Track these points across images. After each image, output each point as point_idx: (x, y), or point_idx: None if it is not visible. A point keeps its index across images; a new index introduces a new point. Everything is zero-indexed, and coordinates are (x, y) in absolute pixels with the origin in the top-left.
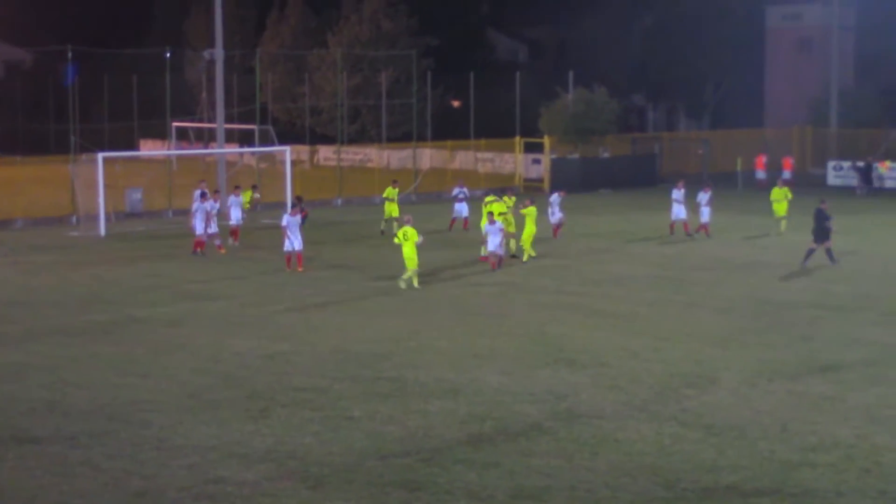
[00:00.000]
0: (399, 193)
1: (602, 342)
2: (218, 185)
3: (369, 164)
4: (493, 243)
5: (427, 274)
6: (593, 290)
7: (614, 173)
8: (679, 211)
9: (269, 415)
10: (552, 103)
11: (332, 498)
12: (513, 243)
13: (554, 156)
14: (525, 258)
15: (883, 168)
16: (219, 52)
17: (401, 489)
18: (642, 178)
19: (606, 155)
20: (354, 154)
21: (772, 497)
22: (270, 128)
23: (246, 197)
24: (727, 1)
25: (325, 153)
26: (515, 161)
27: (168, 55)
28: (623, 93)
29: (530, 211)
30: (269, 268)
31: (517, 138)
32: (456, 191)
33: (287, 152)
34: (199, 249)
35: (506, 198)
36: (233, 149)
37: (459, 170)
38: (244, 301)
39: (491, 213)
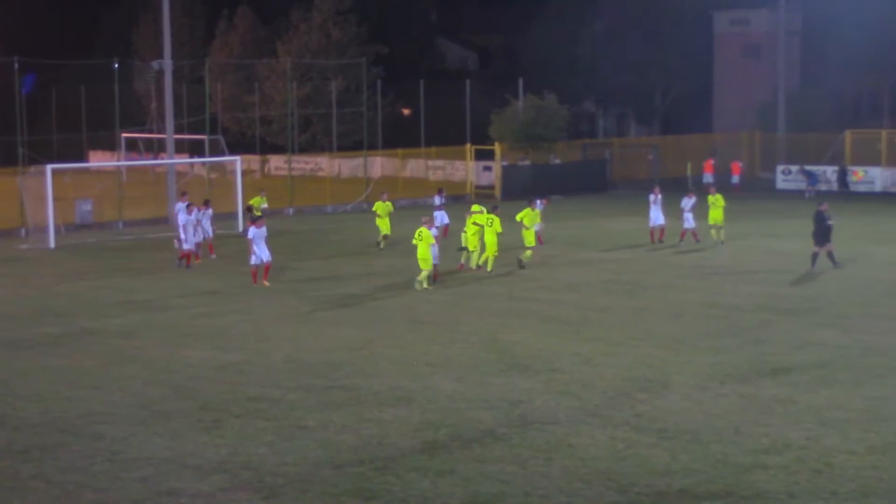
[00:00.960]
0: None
1: (554, 348)
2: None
3: (320, 173)
4: (433, 255)
5: (382, 284)
6: (545, 297)
7: (565, 179)
8: (688, 219)
9: (223, 425)
10: (502, 110)
11: None
12: (528, 253)
13: (505, 163)
14: (490, 268)
15: (856, 177)
16: (167, 63)
17: (355, 498)
18: (593, 184)
19: (557, 161)
20: (305, 163)
21: (725, 500)
22: (221, 138)
23: (256, 203)
24: (675, 7)
25: (276, 162)
26: (466, 168)
27: (116, 66)
28: (573, 99)
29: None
30: (222, 278)
31: (468, 146)
32: (437, 199)
33: (237, 162)
34: (185, 260)
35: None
36: (183, 159)
37: (410, 178)
38: (196, 312)
39: (429, 219)
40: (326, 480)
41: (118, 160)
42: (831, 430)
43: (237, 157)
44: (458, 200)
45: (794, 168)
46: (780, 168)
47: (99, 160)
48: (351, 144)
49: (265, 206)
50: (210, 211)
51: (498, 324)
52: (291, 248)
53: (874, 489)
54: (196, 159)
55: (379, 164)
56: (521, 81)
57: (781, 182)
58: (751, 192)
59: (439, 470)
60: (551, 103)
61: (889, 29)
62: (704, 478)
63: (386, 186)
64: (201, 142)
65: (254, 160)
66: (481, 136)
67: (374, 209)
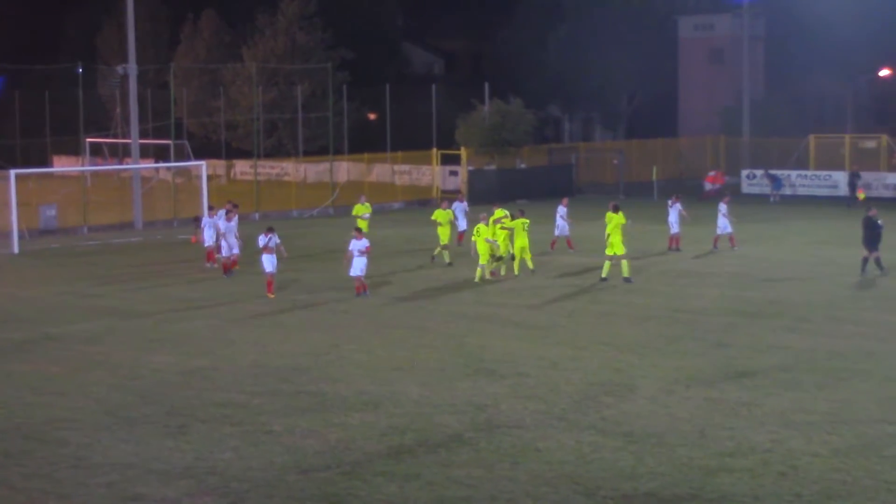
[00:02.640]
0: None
1: (521, 352)
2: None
3: (286, 178)
4: (359, 266)
5: (349, 288)
6: (511, 301)
7: (531, 184)
8: (725, 225)
9: (189, 431)
10: (468, 115)
11: None
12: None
13: (471, 167)
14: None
15: (861, 195)
16: (132, 67)
17: (321, 503)
18: (559, 188)
19: (523, 166)
20: (271, 168)
21: (690, 503)
22: (186, 142)
23: (359, 211)
24: (640, 12)
25: (242, 167)
26: (432, 173)
27: (80, 70)
28: (539, 104)
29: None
30: (187, 283)
31: (434, 150)
32: (455, 205)
33: (203, 167)
34: (223, 267)
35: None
36: (148, 164)
37: (377, 182)
38: (162, 317)
39: (359, 230)
40: (292, 485)
41: (82, 165)
42: (795, 432)
43: (202, 162)
44: (425, 205)
45: (759, 172)
46: (744, 172)
47: (63, 165)
48: (317, 149)
49: (368, 214)
50: (213, 219)
51: (465, 328)
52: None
53: (838, 491)
54: (161, 164)
55: (345, 169)
56: (486, 86)
57: (746, 186)
58: (716, 196)
59: (406, 475)
60: (517, 108)
61: (852, 34)
62: (670, 481)
63: (353, 191)
64: (166, 147)
65: (219, 165)
66: (447, 141)
67: (433, 217)
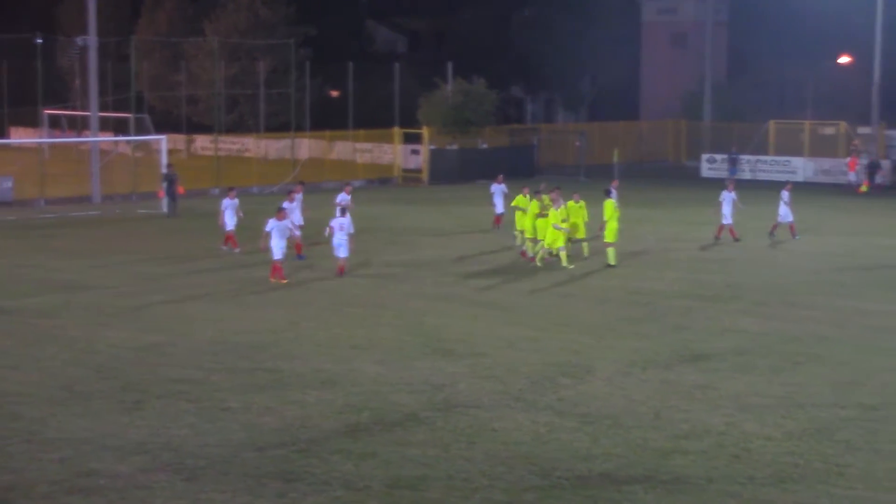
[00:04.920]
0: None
1: (479, 332)
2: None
3: (247, 154)
4: (342, 248)
5: (308, 266)
6: (471, 281)
7: (492, 164)
8: (786, 213)
9: (144, 406)
10: (431, 94)
11: (207, 490)
12: (585, 246)
13: (433, 147)
14: (565, 261)
15: (865, 187)
16: (92, 39)
17: (277, 480)
18: (520, 169)
19: (485, 146)
20: (232, 143)
21: (644, 484)
22: (146, 116)
23: (520, 203)
24: None
25: (202, 142)
26: (394, 152)
27: (39, 41)
28: (502, 84)
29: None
30: (144, 257)
31: (396, 129)
32: (494, 187)
33: (163, 141)
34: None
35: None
36: (107, 137)
37: (338, 160)
38: (118, 291)
39: (343, 209)
40: (248, 462)
41: (40, 137)
42: (750, 415)
43: (163, 137)
44: (386, 184)
45: (720, 157)
46: (705, 157)
47: (20, 137)
48: (278, 125)
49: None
50: (235, 201)
51: (424, 308)
52: (217, 228)
53: (790, 474)
54: (121, 138)
55: (306, 146)
56: (450, 66)
57: (706, 170)
58: (675, 180)
59: (362, 453)
60: (480, 88)
61: (814, 20)
62: (625, 462)
63: (314, 169)
64: (126, 120)
65: (180, 139)
66: (409, 120)
67: (514, 203)
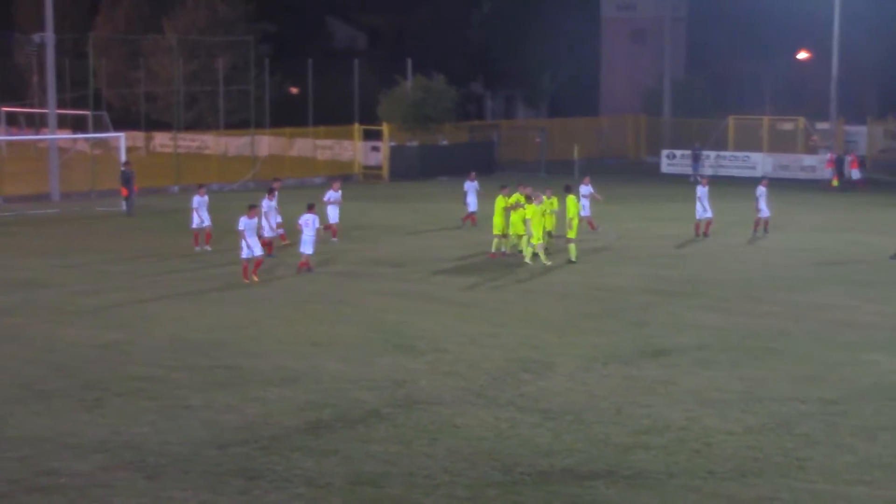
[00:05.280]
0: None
1: (440, 329)
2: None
3: (206, 151)
4: (308, 244)
5: (269, 264)
6: (432, 277)
7: (453, 161)
8: (765, 209)
9: (104, 405)
10: (391, 91)
11: (168, 488)
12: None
13: (393, 143)
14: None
15: (835, 181)
16: (49, 36)
17: (239, 478)
18: (480, 165)
19: (445, 142)
20: (191, 141)
21: (606, 479)
22: (105, 113)
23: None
24: None
25: (161, 140)
26: (354, 148)
27: None
28: (461, 81)
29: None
30: (104, 255)
31: (356, 126)
32: (467, 185)
33: (122, 139)
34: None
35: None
36: (65, 135)
37: (298, 157)
38: (78, 290)
39: (312, 206)
40: (210, 460)
41: None
42: (710, 410)
43: (121, 134)
44: (346, 181)
45: (680, 153)
46: (664, 152)
47: None
48: (238, 123)
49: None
50: (273, 202)
51: (384, 304)
52: (177, 226)
53: (751, 468)
54: (79, 135)
55: (266, 143)
56: (409, 62)
57: (666, 166)
58: (635, 175)
59: (323, 450)
60: (439, 84)
61: (772, 16)
62: (586, 458)
63: (274, 166)
64: (84, 117)
65: (138, 137)
66: (370, 117)
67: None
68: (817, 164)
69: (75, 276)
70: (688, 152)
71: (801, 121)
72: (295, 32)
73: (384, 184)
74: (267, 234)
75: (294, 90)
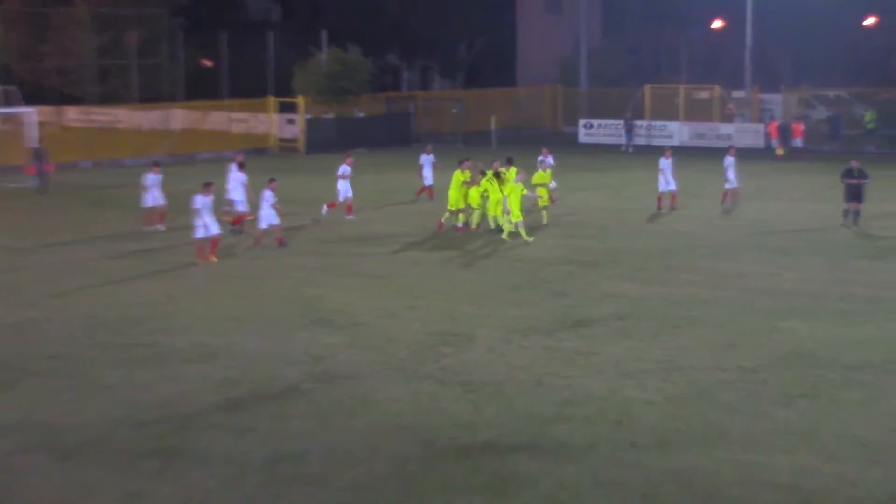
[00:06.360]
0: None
1: (359, 302)
2: None
3: (119, 126)
4: (271, 217)
5: (188, 239)
6: (351, 251)
7: (369, 133)
8: (733, 179)
9: (18, 384)
10: (306, 63)
11: (83, 468)
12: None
13: (308, 116)
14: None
15: (780, 150)
16: None
17: (155, 457)
18: (397, 137)
19: (361, 115)
20: (104, 115)
21: (528, 452)
22: (15, 88)
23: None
24: None
25: (74, 114)
26: (269, 121)
27: None
28: (377, 52)
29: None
30: (14, 232)
31: (271, 98)
32: (423, 158)
33: (33, 114)
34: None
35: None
36: None
37: (213, 131)
38: None
39: (272, 179)
40: (126, 439)
41: None
42: (631, 381)
43: (33, 109)
44: (262, 154)
45: (598, 122)
46: (581, 122)
47: None
48: (151, 96)
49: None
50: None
51: (303, 278)
52: (91, 201)
53: (673, 439)
54: None
55: (181, 117)
56: (324, 34)
57: (584, 136)
58: (553, 146)
59: (242, 427)
60: (355, 56)
61: None
62: (508, 430)
63: (189, 139)
64: None
65: (50, 111)
66: (285, 89)
67: (534, 180)
68: (733, 133)
69: None
70: (606, 122)
71: (717, 89)
72: (208, 4)
73: (300, 157)
74: (241, 208)
75: (208, 63)
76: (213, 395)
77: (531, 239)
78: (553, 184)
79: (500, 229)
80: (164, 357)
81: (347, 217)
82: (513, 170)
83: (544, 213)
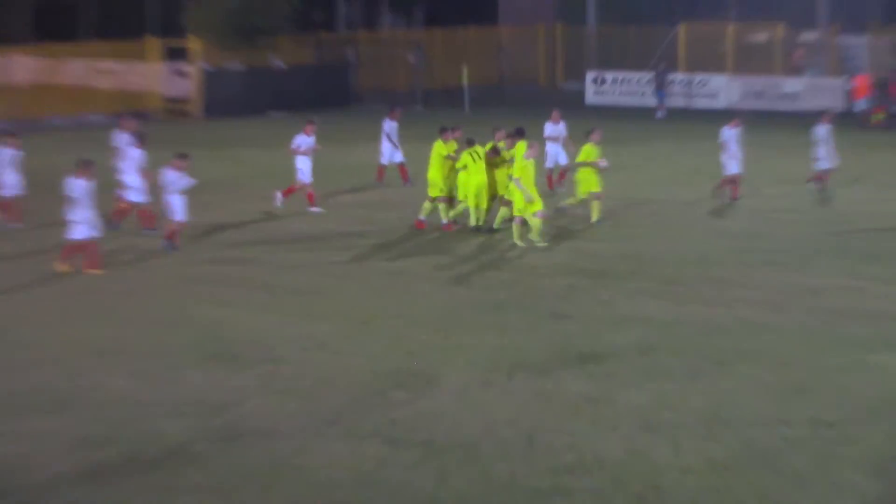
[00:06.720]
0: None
1: (276, 329)
2: None
3: None
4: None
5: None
6: (265, 257)
7: (291, 90)
8: (825, 155)
9: None
10: None
11: None
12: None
13: (206, 66)
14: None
15: (879, 114)
16: None
17: None
18: (331, 96)
19: (280, 64)
20: None
21: None
22: None
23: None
24: None
25: None
26: (150, 73)
27: None
28: None
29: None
30: None
31: (152, 40)
32: (388, 125)
33: None
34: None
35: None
36: None
37: (69, 87)
38: None
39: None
40: None
41: None
42: (659, 438)
43: None
44: (139, 119)
45: (612, 76)
46: (590, 75)
47: None
48: None
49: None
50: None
51: (197, 293)
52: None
53: None
54: None
55: (26, 67)
56: None
57: (593, 95)
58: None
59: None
60: None
61: None
62: None
63: (35, 98)
64: None
65: None
66: (172, 28)
67: (582, 159)
68: (801, 91)
69: None
70: (624, 75)
71: (780, 29)
72: None
73: (196, 123)
74: (135, 197)
75: None
76: (66, 460)
77: (545, 244)
78: (603, 162)
79: (491, 229)
80: None
81: (312, 210)
82: (521, 144)
83: (595, 204)
